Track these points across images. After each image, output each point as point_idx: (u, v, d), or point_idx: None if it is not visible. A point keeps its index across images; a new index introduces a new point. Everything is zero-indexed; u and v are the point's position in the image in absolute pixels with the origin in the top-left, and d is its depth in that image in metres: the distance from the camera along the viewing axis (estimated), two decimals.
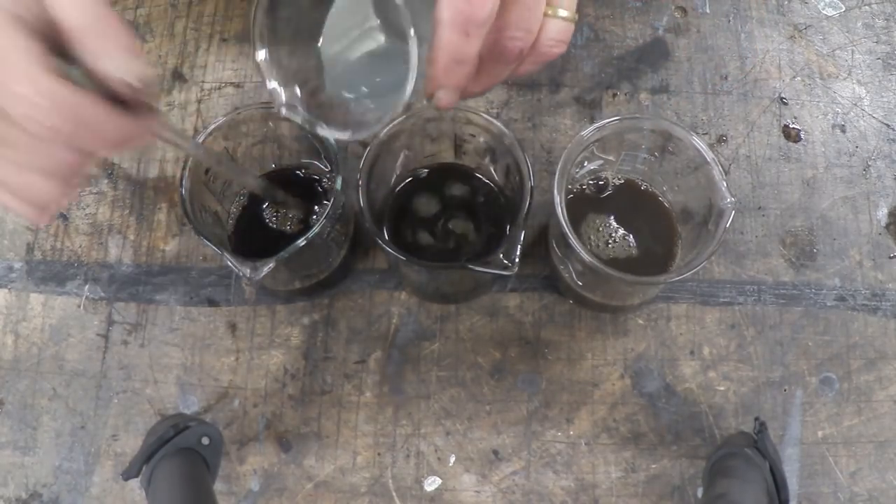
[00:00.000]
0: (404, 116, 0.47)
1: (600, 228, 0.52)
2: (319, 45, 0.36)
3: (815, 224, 0.59)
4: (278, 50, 0.35)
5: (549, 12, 0.32)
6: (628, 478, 0.54)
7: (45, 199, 0.31)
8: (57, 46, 0.29)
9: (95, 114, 0.29)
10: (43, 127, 0.28)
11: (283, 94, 0.36)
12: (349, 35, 0.35)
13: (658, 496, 0.53)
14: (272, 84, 0.35)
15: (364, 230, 0.55)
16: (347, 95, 0.36)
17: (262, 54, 0.34)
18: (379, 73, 0.35)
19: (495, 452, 0.54)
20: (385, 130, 0.47)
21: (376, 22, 0.33)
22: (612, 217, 0.53)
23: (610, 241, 0.52)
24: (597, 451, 0.54)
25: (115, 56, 0.29)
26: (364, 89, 0.36)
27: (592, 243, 0.52)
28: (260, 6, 0.33)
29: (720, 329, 0.56)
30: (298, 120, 0.36)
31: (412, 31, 0.30)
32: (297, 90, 0.36)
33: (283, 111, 0.36)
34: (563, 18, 0.33)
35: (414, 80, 0.31)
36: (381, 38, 0.34)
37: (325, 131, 0.36)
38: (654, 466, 0.54)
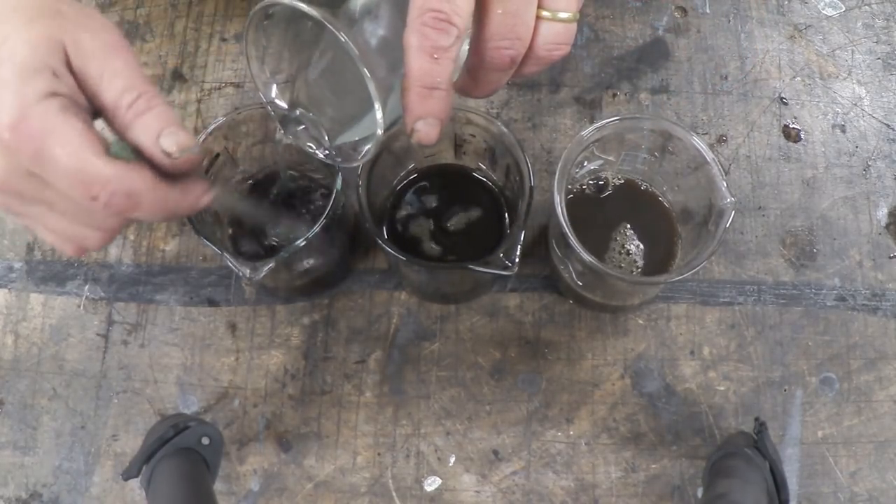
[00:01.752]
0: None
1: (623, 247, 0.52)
2: (307, 69, 0.36)
3: (815, 224, 0.59)
4: (273, 65, 0.36)
5: (547, 15, 0.31)
6: (628, 478, 0.54)
7: (90, 246, 0.33)
8: (91, 109, 0.31)
9: (141, 187, 0.30)
10: (94, 205, 0.29)
11: (282, 109, 0.36)
12: (330, 66, 0.35)
13: (658, 496, 0.53)
14: (272, 95, 0.36)
15: (364, 230, 0.55)
16: (327, 126, 0.36)
17: (255, 67, 0.35)
18: (355, 105, 0.35)
19: (495, 452, 0.54)
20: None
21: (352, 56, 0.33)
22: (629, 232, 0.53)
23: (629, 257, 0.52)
24: (597, 451, 0.54)
25: (158, 129, 0.30)
26: (341, 121, 0.36)
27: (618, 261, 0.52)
28: (252, 24, 0.33)
29: (720, 329, 0.56)
30: (300, 142, 0.36)
31: (365, 70, 0.29)
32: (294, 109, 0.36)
33: (284, 134, 0.36)
34: (563, 20, 0.31)
35: (381, 116, 0.30)
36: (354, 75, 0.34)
37: (312, 151, 0.36)
38: (654, 466, 0.54)
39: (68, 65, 0.30)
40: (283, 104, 0.36)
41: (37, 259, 0.60)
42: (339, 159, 0.37)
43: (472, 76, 0.32)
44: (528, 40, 0.31)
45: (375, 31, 0.31)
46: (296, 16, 0.32)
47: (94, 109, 0.31)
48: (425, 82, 0.29)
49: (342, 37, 0.28)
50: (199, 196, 0.33)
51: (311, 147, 0.37)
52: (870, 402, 0.55)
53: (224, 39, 0.64)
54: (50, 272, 0.59)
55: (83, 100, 0.30)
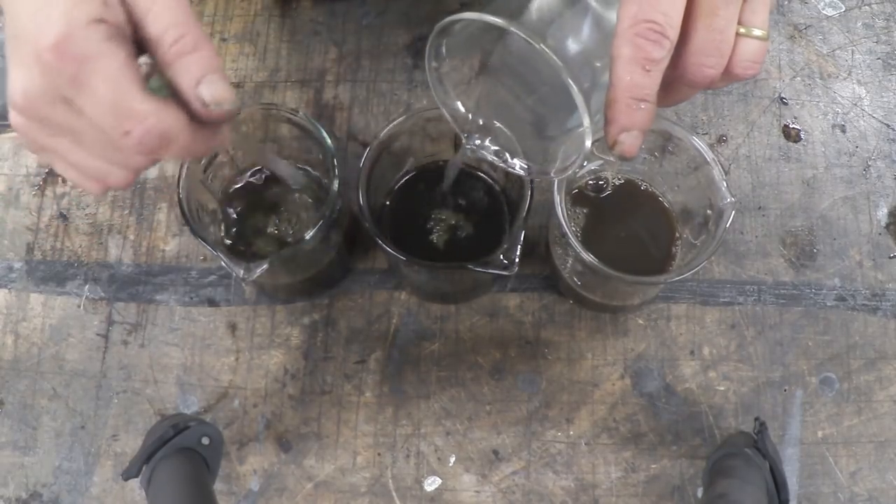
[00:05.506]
0: (403, 117, 0.47)
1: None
2: (491, 78, 0.34)
3: (815, 224, 0.59)
4: (452, 75, 0.34)
5: (743, 31, 0.29)
6: (628, 478, 0.54)
7: (112, 184, 0.32)
8: (137, 43, 0.30)
9: (175, 128, 0.29)
10: (118, 134, 0.29)
11: (469, 122, 0.35)
12: (519, 78, 0.34)
13: (658, 496, 0.53)
14: (454, 106, 0.34)
15: (364, 230, 0.55)
16: (517, 137, 0.35)
17: (435, 75, 0.34)
18: (549, 115, 0.34)
19: (495, 452, 0.54)
20: (385, 130, 0.47)
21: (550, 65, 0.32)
22: None
23: None
24: (597, 451, 0.54)
25: (198, 74, 0.30)
26: (532, 132, 0.35)
27: None
28: (435, 37, 0.32)
29: (720, 329, 0.56)
30: (485, 153, 0.35)
31: (571, 82, 0.28)
32: (479, 119, 0.35)
33: (472, 143, 0.35)
34: (758, 38, 0.30)
35: (590, 126, 0.29)
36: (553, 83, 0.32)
37: (510, 162, 0.35)
38: (654, 466, 0.54)
39: None
40: (466, 115, 0.35)
41: (37, 259, 0.60)
42: (535, 172, 0.35)
43: (666, 89, 0.31)
44: (728, 59, 0.30)
45: (565, 40, 0.30)
46: (478, 28, 0.31)
47: (139, 43, 0.30)
48: (635, 94, 0.29)
49: (545, 50, 0.28)
50: (223, 140, 0.33)
51: (497, 159, 0.36)
52: (870, 402, 0.55)
53: (224, 39, 0.64)
54: (50, 272, 0.59)
55: (129, 32, 0.29)
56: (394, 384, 0.56)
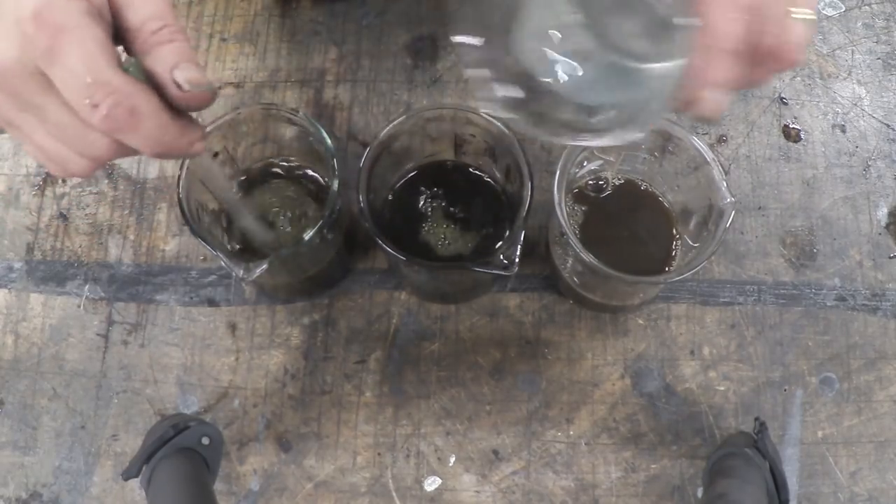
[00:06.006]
0: (404, 117, 0.47)
1: None
2: (528, 37, 0.30)
3: (815, 224, 0.59)
4: (488, 41, 0.30)
5: (796, 15, 0.27)
6: (628, 478, 0.54)
7: (72, 171, 0.32)
8: (114, 30, 0.30)
9: (145, 108, 0.29)
10: (87, 112, 0.28)
11: (499, 89, 0.30)
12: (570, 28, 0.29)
13: (658, 496, 0.53)
14: (483, 74, 0.30)
15: (364, 230, 0.55)
16: (578, 96, 0.30)
17: (468, 40, 0.29)
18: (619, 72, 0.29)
19: (495, 452, 0.54)
20: (385, 130, 0.47)
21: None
22: None
23: None
24: (597, 451, 0.54)
25: (174, 61, 0.30)
26: (602, 90, 0.30)
27: None
28: None
29: (720, 329, 0.56)
30: (517, 121, 0.30)
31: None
32: (515, 88, 0.30)
33: (497, 108, 0.30)
34: (806, 20, 0.27)
35: (680, 65, 0.25)
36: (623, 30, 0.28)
37: (550, 135, 0.30)
38: (654, 466, 0.54)
39: None
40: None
41: (37, 259, 0.60)
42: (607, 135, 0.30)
43: (704, 58, 0.27)
44: (783, 36, 0.27)
45: None
46: None
47: (117, 33, 0.30)
48: (729, 43, 0.26)
49: None
50: (194, 141, 0.32)
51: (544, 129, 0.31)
52: (870, 402, 0.55)
53: (224, 39, 0.64)
54: (50, 272, 0.59)
55: (109, 17, 0.30)
56: (394, 384, 0.56)
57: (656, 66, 0.27)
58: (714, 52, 0.26)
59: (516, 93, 0.30)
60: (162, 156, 0.32)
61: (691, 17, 0.26)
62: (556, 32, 0.29)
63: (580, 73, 0.29)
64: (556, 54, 0.29)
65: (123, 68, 0.29)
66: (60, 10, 0.28)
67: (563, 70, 0.29)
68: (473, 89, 0.31)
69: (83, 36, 0.28)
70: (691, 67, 0.26)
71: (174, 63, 0.30)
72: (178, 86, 0.30)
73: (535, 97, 0.30)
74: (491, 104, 0.30)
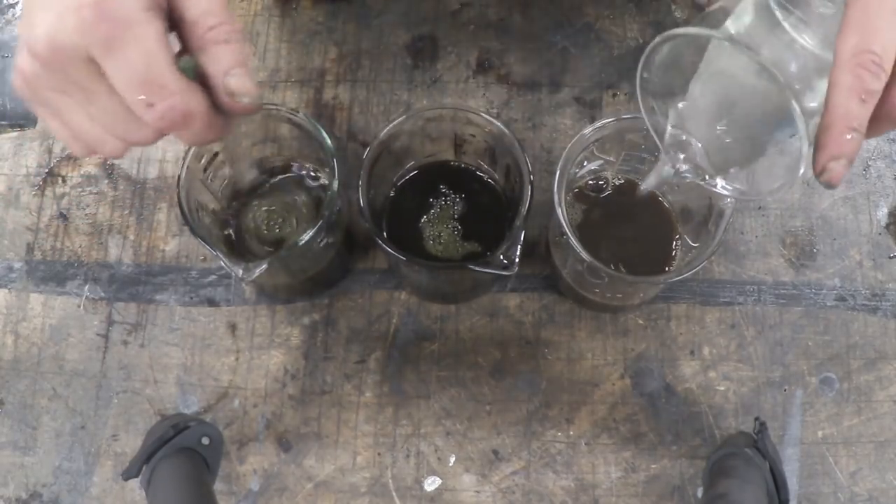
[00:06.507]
0: (403, 117, 0.47)
1: None
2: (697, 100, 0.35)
3: (815, 224, 0.59)
4: (660, 89, 0.35)
5: None
6: (628, 478, 0.54)
7: (105, 152, 0.32)
8: (171, 21, 0.30)
9: (197, 111, 0.30)
10: (148, 112, 0.29)
11: (686, 147, 0.35)
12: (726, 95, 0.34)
13: (658, 496, 0.53)
14: (674, 134, 0.35)
15: (364, 230, 0.55)
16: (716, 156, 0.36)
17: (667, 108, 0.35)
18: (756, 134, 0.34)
19: (495, 452, 0.54)
20: (385, 130, 0.47)
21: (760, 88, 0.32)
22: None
23: None
24: (597, 451, 0.54)
25: (229, 65, 0.30)
26: (736, 151, 0.35)
27: None
28: (656, 45, 0.32)
29: (720, 329, 0.56)
30: (684, 169, 0.36)
31: (794, 104, 0.29)
32: (694, 144, 0.35)
33: (672, 159, 0.36)
34: None
35: (808, 151, 0.30)
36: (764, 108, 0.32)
37: (722, 187, 0.36)
38: (654, 466, 0.54)
39: None
40: (666, 127, 0.36)
41: (37, 259, 0.60)
42: (743, 193, 0.36)
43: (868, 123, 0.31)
44: None
45: (785, 59, 0.31)
46: (687, 43, 0.32)
47: (171, 22, 0.30)
48: (849, 123, 0.29)
49: (772, 69, 0.28)
50: (231, 131, 0.33)
51: (697, 178, 0.36)
52: (870, 402, 0.55)
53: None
54: (50, 272, 0.59)
55: (165, 6, 0.30)
56: (394, 384, 0.56)
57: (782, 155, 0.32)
58: (831, 131, 0.29)
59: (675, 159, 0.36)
60: (202, 143, 0.32)
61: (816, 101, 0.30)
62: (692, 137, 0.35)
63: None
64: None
65: (179, 66, 0.29)
66: (123, 3, 0.27)
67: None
68: (646, 115, 0.36)
69: (143, 32, 0.28)
70: (817, 143, 0.29)
71: (228, 66, 0.30)
72: (230, 93, 0.30)
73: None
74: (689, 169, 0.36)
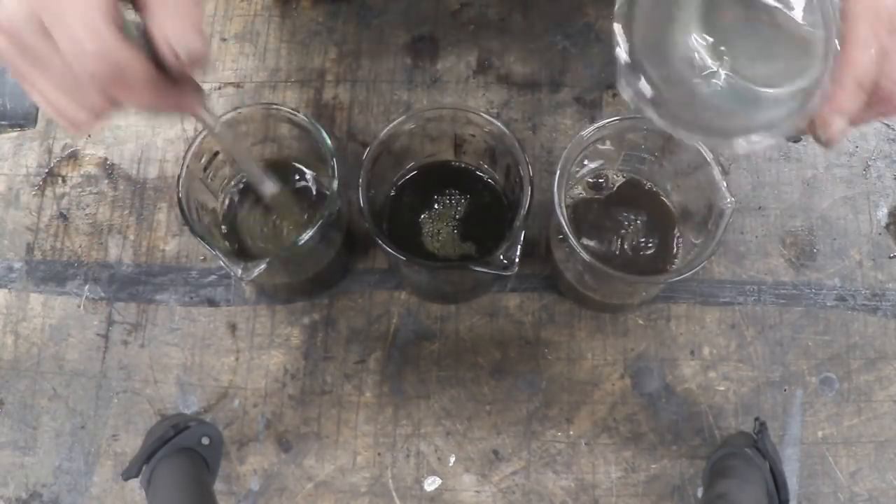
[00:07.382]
0: (403, 117, 0.47)
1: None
2: (691, 42, 0.32)
3: (815, 224, 0.59)
4: (642, 43, 0.32)
5: None
6: (628, 478, 0.54)
7: (75, 121, 0.32)
8: None
9: (134, 72, 0.29)
10: (83, 69, 0.29)
11: (647, 91, 0.32)
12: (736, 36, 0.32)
13: (658, 496, 0.53)
14: (634, 80, 0.32)
15: (364, 230, 0.55)
16: (726, 102, 0.32)
17: (624, 48, 0.31)
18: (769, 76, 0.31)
19: (495, 452, 0.54)
20: (385, 130, 0.47)
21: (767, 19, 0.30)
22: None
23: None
24: (597, 451, 0.54)
25: (174, 24, 0.30)
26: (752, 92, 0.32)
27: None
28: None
29: (720, 329, 0.56)
30: (659, 121, 0.32)
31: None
32: (661, 88, 0.32)
33: (649, 111, 0.32)
34: None
35: (825, 78, 0.28)
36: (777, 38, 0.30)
37: (693, 138, 0.33)
38: (654, 466, 0.54)
39: None
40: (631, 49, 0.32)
41: (37, 259, 0.60)
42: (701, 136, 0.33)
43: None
44: None
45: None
46: None
47: None
48: (863, 78, 0.28)
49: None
50: (194, 104, 0.33)
51: (652, 112, 0.33)
52: (870, 402, 0.55)
53: (224, 39, 0.64)
54: (50, 272, 0.59)
55: None
56: (394, 384, 0.56)
57: (787, 89, 0.30)
58: (849, 81, 0.28)
59: (653, 90, 0.32)
60: (159, 112, 0.32)
61: (833, 45, 0.28)
62: (699, 48, 0.32)
63: (714, 90, 0.32)
64: (699, 61, 0.32)
65: (124, 30, 0.29)
66: None
67: (700, 85, 0.32)
68: (619, 77, 0.33)
69: None
70: (826, 92, 0.29)
71: (167, 21, 0.30)
72: (175, 55, 0.30)
73: (672, 97, 0.32)
74: (630, 95, 0.32)
